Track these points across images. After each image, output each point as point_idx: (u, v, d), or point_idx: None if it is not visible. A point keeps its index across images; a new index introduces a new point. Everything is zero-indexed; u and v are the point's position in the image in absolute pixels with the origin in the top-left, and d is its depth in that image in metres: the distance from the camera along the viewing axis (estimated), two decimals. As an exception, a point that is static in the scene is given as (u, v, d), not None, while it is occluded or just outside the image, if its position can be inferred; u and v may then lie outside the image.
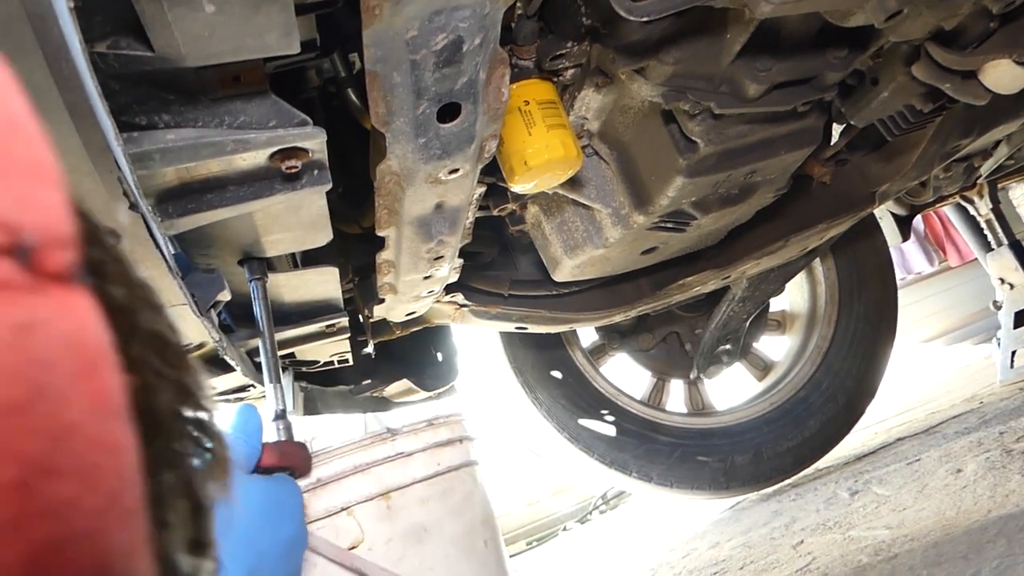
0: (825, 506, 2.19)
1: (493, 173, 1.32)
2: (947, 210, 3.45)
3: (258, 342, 1.41)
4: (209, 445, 0.34)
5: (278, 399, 1.08)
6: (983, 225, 3.30)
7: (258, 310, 1.13)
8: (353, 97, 1.24)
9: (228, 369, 1.43)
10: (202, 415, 0.33)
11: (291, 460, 0.99)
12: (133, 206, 0.81)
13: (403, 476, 1.11)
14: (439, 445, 1.16)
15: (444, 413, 1.22)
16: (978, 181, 2.73)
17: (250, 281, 1.13)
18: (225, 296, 1.09)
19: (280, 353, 1.58)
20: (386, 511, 1.09)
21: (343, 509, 1.07)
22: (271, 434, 1.06)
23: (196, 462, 0.32)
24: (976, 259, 3.58)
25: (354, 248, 1.60)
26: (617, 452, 2.57)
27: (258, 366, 1.46)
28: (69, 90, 0.64)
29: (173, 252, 1.02)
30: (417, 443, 1.14)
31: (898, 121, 1.55)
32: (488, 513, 1.22)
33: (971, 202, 3.24)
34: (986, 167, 2.33)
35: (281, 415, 1.06)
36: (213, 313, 1.10)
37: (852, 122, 1.50)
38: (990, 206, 3.20)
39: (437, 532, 1.11)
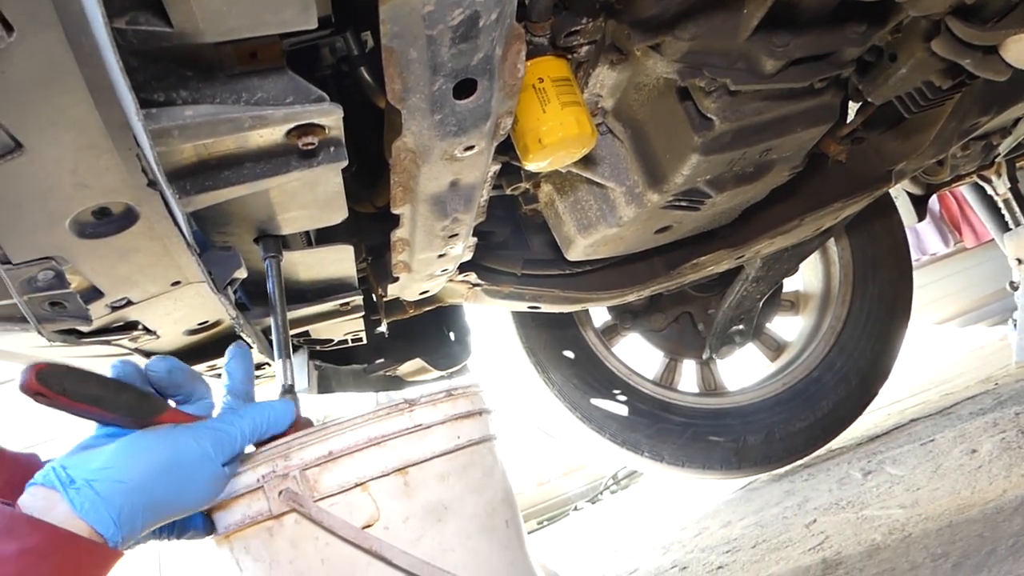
0: (838, 486, 2.19)
1: (507, 151, 1.32)
2: (964, 189, 3.42)
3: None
4: None
5: (287, 374, 1.07)
6: (1000, 204, 3.27)
7: (271, 287, 1.13)
8: (366, 76, 1.23)
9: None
10: None
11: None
12: (152, 183, 0.81)
13: (422, 450, 1.04)
14: (459, 417, 1.09)
15: (463, 384, 1.14)
16: (996, 160, 2.70)
17: (265, 259, 1.13)
18: (241, 274, 1.10)
19: (295, 331, 1.59)
20: (403, 487, 1.02)
21: (357, 485, 0.99)
22: None
23: None
24: (991, 240, 3.55)
25: (367, 228, 1.61)
26: (629, 432, 2.57)
27: (247, 346, 1.48)
28: (89, 65, 0.64)
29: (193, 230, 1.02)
30: (436, 415, 1.07)
31: (916, 98, 1.53)
32: (508, 490, 1.16)
33: (989, 181, 3.21)
34: (1005, 145, 2.30)
35: (288, 390, 1.06)
36: (230, 291, 1.10)
37: (869, 99, 1.48)
38: (1008, 185, 3.16)
39: (457, 510, 1.04)
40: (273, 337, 1.16)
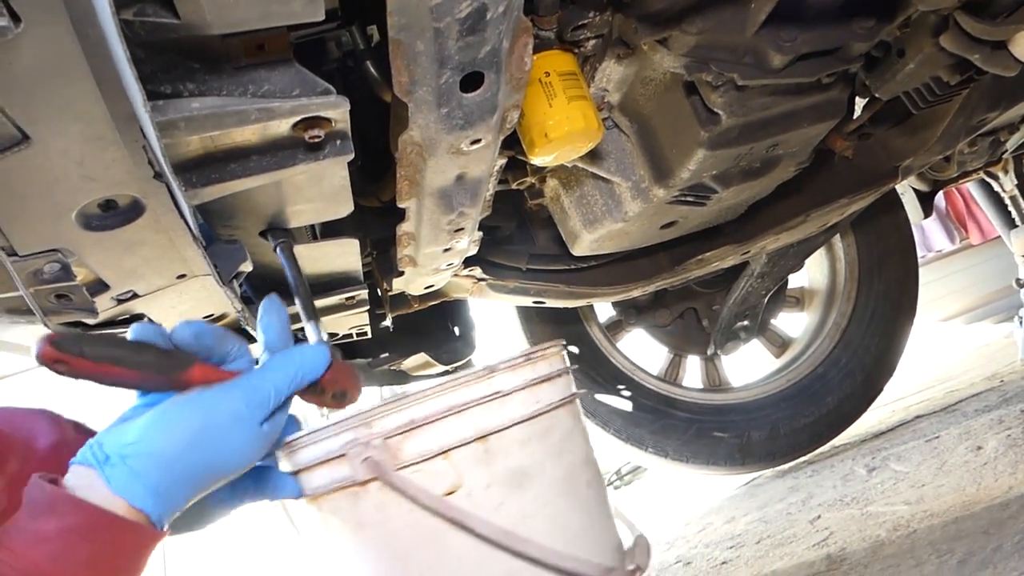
0: (842, 482, 2.19)
1: (513, 146, 1.31)
2: (970, 186, 3.41)
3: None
4: None
5: (316, 332, 1.05)
6: (1007, 201, 3.26)
7: (288, 268, 1.13)
8: (372, 70, 1.23)
9: (249, 340, 1.44)
10: None
11: (345, 381, 0.95)
12: (158, 175, 0.81)
13: (501, 417, 1.04)
14: (538, 381, 1.08)
15: (543, 345, 1.13)
16: (1004, 156, 2.69)
17: (275, 246, 1.13)
18: (247, 267, 1.10)
19: (297, 327, 1.59)
20: (484, 454, 1.02)
21: (439, 453, 1.00)
22: None
23: None
24: (997, 237, 3.54)
25: (372, 222, 1.61)
26: (633, 427, 2.57)
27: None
28: (97, 57, 0.64)
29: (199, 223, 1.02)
30: (516, 380, 1.06)
31: (924, 94, 1.52)
32: (589, 451, 1.15)
33: (995, 178, 3.20)
34: (1012, 141, 2.29)
35: (321, 344, 1.02)
36: (235, 284, 1.11)
37: (877, 95, 1.47)
38: (1015, 182, 3.15)
39: (538, 476, 1.05)
40: (297, 301, 1.14)
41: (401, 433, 0.99)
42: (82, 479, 0.75)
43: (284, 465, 1.04)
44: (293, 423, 0.93)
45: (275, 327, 0.93)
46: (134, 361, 0.80)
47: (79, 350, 0.77)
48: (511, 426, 1.04)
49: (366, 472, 0.99)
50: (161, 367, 0.81)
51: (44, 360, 0.76)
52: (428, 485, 0.99)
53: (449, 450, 1.00)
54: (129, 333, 0.85)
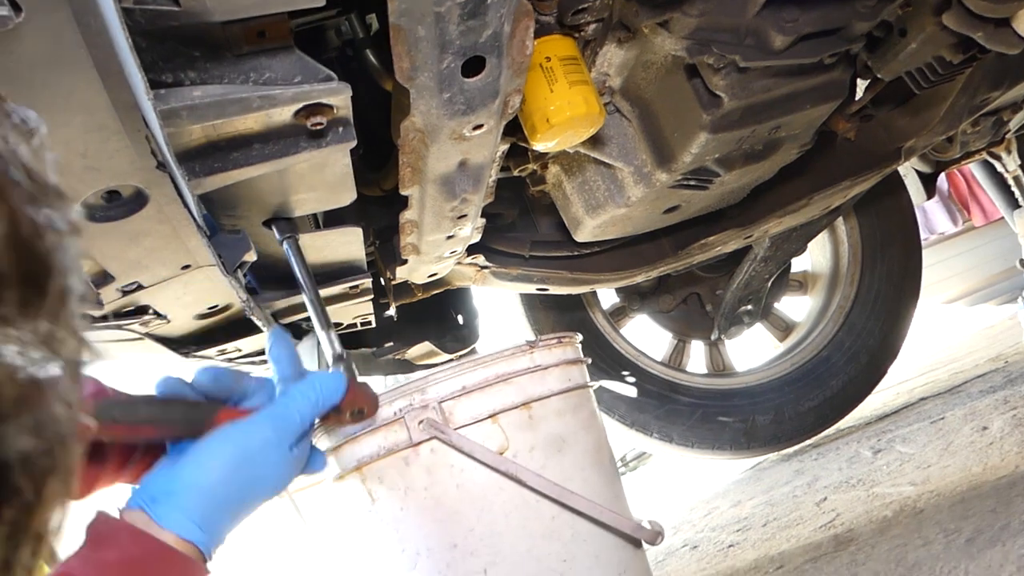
0: (848, 464, 2.19)
1: (515, 132, 1.31)
2: (973, 166, 3.40)
3: (282, 304, 1.42)
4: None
5: (333, 344, 1.06)
6: (1011, 182, 3.24)
7: (295, 265, 1.13)
8: (372, 58, 1.23)
9: (254, 331, 1.45)
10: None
11: (362, 401, 0.97)
12: (161, 165, 0.81)
13: (542, 388, 1.14)
14: (569, 362, 1.20)
15: (566, 333, 1.24)
16: (1007, 136, 2.67)
17: (281, 241, 1.13)
18: (251, 256, 1.10)
19: (302, 316, 1.59)
20: (528, 420, 1.11)
21: (489, 416, 1.09)
22: None
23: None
24: (1000, 219, 3.53)
25: (376, 211, 1.61)
26: (638, 413, 2.58)
27: (284, 327, 1.47)
28: (98, 46, 0.64)
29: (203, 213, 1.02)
30: (552, 357, 1.17)
31: (926, 73, 1.51)
32: (606, 433, 1.26)
33: (999, 158, 3.18)
34: (1015, 121, 2.28)
35: (340, 357, 1.04)
36: (240, 273, 1.11)
37: (879, 75, 1.47)
38: (1018, 162, 3.13)
39: (574, 443, 1.14)
40: (310, 311, 1.15)
41: (454, 398, 1.09)
42: (134, 519, 0.78)
43: (323, 442, 1.09)
44: (319, 456, 0.96)
45: (285, 358, 0.96)
46: (165, 419, 0.83)
47: (111, 417, 0.79)
48: (550, 396, 1.15)
49: (422, 433, 1.07)
50: (190, 421, 0.84)
51: None
52: (481, 444, 1.08)
53: (497, 414, 1.10)
54: (154, 388, 0.89)
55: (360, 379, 1.02)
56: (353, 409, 0.96)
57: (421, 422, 1.07)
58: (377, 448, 1.11)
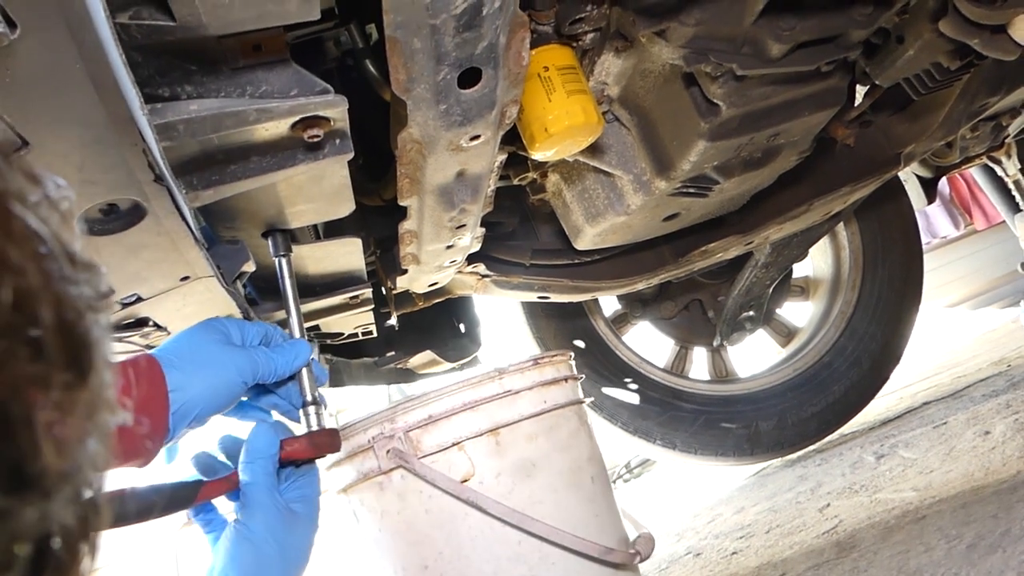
0: (851, 470, 2.18)
1: (513, 142, 1.31)
2: (974, 171, 3.40)
3: (282, 314, 1.42)
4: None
5: (307, 388, 1.05)
6: (1011, 186, 3.24)
7: (284, 285, 1.12)
8: (371, 68, 1.23)
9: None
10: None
11: (322, 450, 0.97)
12: (158, 178, 0.81)
13: (511, 413, 1.15)
14: (545, 384, 1.21)
15: (550, 352, 1.25)
16: (1006, 140, 2.68)
17: (275, 257, 1.13)
18: (250, 267, 1.10)
19: (306, 325, 1.59)
20: (495, 447, 1.13)
21: (454, 444, 1.12)
22: (302, 422, 1.03)
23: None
24: (1002, 222, 3.52)
25: (375, 221, 1.61)
26: (640, 420, 2.57)
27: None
28: (93, 61, 0.64)
29: (201, 226, 1.02)
30: (524, 381, 1.18)
31: (924, 80, 1.52)
32: (594, 450, 1.26)
33: (999, 162, 3.18)
34: (1015, 126, 2.28)
35: (313, 401, 1.03)
36: (239, 284, 1.11)
37: (877, 82, 1.47)
38: (1019, 166, 3.13)
39: (545, 467, 1.16)
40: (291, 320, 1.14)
41: (421, 427, 1.11)
42: None
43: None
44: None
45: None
46: (157, 510, 0.89)
47: (122, 512, 0.85)
48: (520, 421, 1.15)
49: (390, 462, 1.11)
50: (178, 500, 0.91)
51: None
52: (445, 472, 1.10)
53: (463, 441, 1.12)
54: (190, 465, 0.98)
55: (328, 425, 1.02)
56: (299, 459, 0.97)
57: (389, 451, 1.11)
58: (356, 474, 1.16)
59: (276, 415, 1.05)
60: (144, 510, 0.87)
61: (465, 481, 1.10)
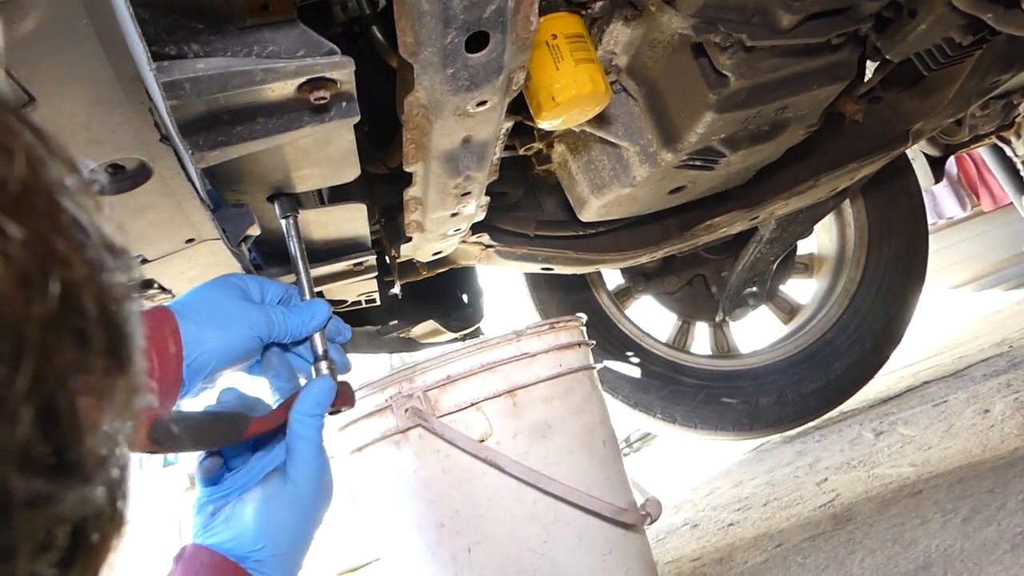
0: (849, 446, 2.20)
1: (520, 111, 1.31)
2: (982, 151, 3.38)
3: (286, 280, 1.43)
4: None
5: (319, 344, 1.06)
6: (1020, 166, 3.23)
7: (292, 246, 1.12)
8: (378, 34, 1.22)
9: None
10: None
11: (338, 404, 0.99)
12: (164, 138, 0.81)
13: (528, 375, 1.17)
14: (560, 347, 1.22)
15: (565, 317, 1.26)
16: (1016, 120, 2.66)
17: (282, 218, 1.13)
18: (255, 231, 1.10)
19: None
20: (512, 407, 1.15)
21: (472, 404, 1.14)
22: (315, 377, 1.04)
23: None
24: (1010, 203, 3.51)
25: (380, 189, 1.61)
26: (641, 393, 2.59)
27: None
28: (100, 17, 0.64)
29: (207, 188, 1.02)
30: (540, 344, 1.20)
31: (935, 55, 1.50)
32: (605, 414, 1.29)
33: (1008, 142, 3.16)
34: (1025, 105, 2.27)
35: (324, 356, 1.04)
36: (244, 247, 1.11)
37: (888, 56, 1.46)
38: (1027, 146, 3.12)
39: (560, 429, 1.17)
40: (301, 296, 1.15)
41: (439, 386, 1.13)
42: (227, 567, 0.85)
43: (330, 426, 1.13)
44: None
45: (282, 373, 1.00)
46: (209, 439, 0.88)
47: (161, 441, 0.83)
48: (537, 383, 1.17)
49: (408, 421, 1.12)
50: (231, 433, 0.90)
51: (141, 448, 0.82)
52: (464, 431, 1.12)
53: (481, 402, 1.14)
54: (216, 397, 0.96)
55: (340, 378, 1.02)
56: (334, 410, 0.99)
57: (407, 410, 1.12)
58: (373, 432, 1.16)
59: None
60: (199, 437, 0.86)
61: (483, 441, 1.12)
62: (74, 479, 0.25)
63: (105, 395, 0.27)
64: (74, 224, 0.27)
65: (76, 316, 0.26)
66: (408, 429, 1.13)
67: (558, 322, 1.24)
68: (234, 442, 0.89)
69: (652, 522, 1.20)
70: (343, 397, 0.99)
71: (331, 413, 1.00)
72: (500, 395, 1.14)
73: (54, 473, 0.25)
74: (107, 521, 0.27)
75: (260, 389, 1.01)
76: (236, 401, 0.95)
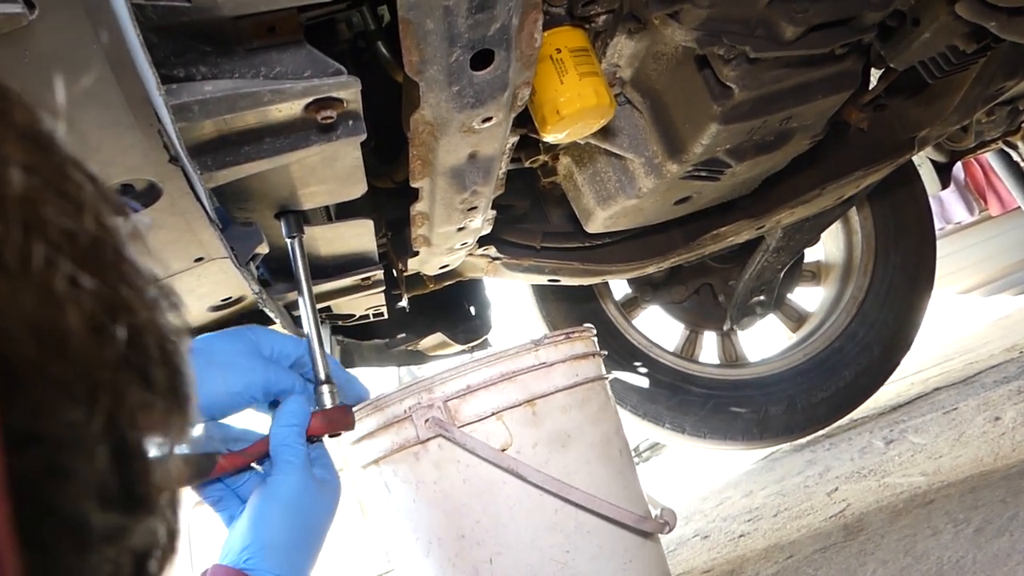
0: (860, 455, 2.19)
1: (525, 124, 1.31)
2: (989, 156, 3.37)
3: (295, 295, 1.43)
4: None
5: (321, 367, 1.05)
6: (1026, 171, 3.22)
7: (297, 267, 1.12)
8: (383, 50, 1.23)
9: (267, 322, 1.46)
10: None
11: (337, 427, 0.98)
12: (174, 159, 0.82)
13: (546, 384, 1.17)
14: (577, 357, 1.22)
15: (579, 328, 1.26)
16: (1022, 125, 2.65)
17: (288, 238, 1.13)
18: (263, 249, 1.11)
19: (317, 307, 1.60)
20: (532, 417, 1.15)
21: (493, 414, 1.13)
22: (315, 401, 1.04)
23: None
24: (1017, 208, 3.50)
25: (387, 203, 1.61)
26: (650, 404, 2.58)
27: (296, 320, 1.48)
28: (110, 43, 0.65)
29: (215, 206, 1.03)
30: (558, 354, 1.20)
31: (940, 63, 1.51)
32: (619, 424, 1.29)
33: (1015, 147, 3.16)
34: (1031, 110, 2.26)
35: (327, 380, 1.03)
36: (252, 266, 1.12)
37: (892, 65, 1.46)
38: (1034, 151, 3.11)
39: (579, 438, 1.17)
40: (304, 321, 1.14)
41: (459, 396, 1.12)
42: None
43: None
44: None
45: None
46: (199, 474, 0.92)
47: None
48: (555, 392, 1.17)
49: (428, 431, 1.11)
50: (203, 470, 0.93)
51: None
52: (484, 441, 1.12)
53: (502, 411, 1.13)
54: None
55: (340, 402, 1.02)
56: (314, 436, 0.98)
57: (427, 420, 1.11)
58: (390, 444, 1.15)
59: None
60: (194, 476, 0.90)
61: (504, 450, 1.12)
62: (142, 512, 0.27)
63: (166, 432, 0.29)
64: (134, 269, 0.28)
65: (140, 357, 0.27)
66: (428, 440, 1.13)
67: (573, 332, 1.24)
68: (205, 479, 0.93)
69: (670, 530, 1.20)
70: (339, 421, 0.99)
71: (330, 435, 1.00)
72: (519, 404, 1.14)
73: (126, 507, 0.26)
74: (165, 551, 0.29)
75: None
76: (219, 434, 0.97)
